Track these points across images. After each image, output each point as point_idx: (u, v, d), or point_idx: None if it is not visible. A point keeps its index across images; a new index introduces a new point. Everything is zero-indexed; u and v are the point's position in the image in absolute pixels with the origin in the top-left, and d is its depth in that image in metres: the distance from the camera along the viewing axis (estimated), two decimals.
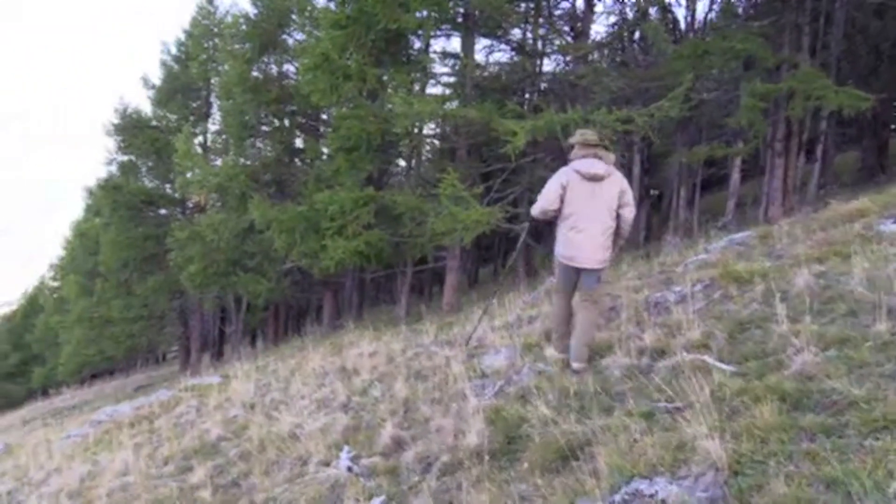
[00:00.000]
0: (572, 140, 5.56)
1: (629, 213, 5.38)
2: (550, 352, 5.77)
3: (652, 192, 20.79)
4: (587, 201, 5.26)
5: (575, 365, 5.28)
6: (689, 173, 16.82)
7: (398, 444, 5.11)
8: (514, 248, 30.38)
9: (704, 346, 4.80)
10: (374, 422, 5.94)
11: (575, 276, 5.45)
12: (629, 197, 5.42)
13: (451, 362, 6.80)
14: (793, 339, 4.21)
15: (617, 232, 5.44)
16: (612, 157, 5.49)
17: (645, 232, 19.35)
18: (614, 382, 4.74)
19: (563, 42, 14.56)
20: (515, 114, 11.28)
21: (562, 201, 5.31)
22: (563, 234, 5.40)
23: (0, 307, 63.55)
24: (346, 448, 5.32)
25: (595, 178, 5.26)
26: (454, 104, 13.90)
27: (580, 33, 14.40)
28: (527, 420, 4.41)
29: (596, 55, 16.51)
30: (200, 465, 6.47)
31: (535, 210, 5.49)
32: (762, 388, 3.67)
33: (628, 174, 18.34)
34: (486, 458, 4.08)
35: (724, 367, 4.21)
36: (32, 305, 49.37)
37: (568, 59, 15.42)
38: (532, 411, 4.47)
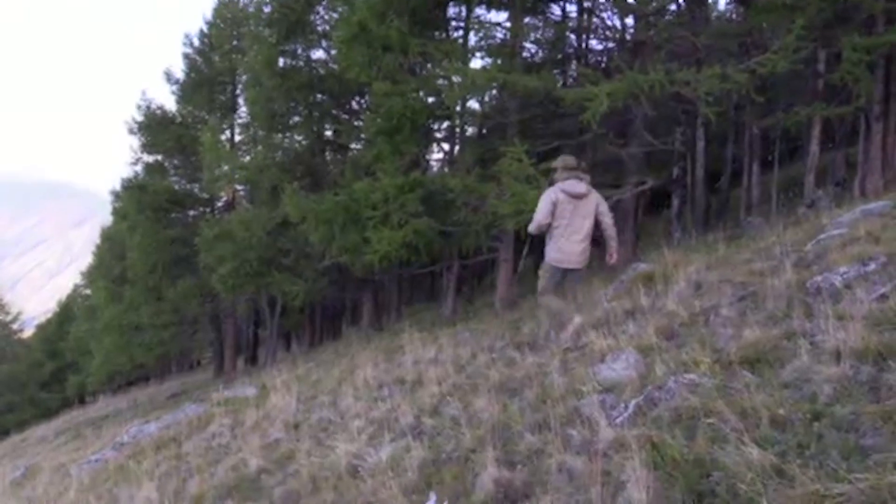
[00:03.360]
0: (555, 164, 6.84)
1: (608, 219, 6.70)
2: (553, 303, 6.77)
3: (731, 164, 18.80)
4: (571, 215, 6.52)
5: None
6: (763, 146, 15.20)
7: (509, 494, 3.68)
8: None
9: None
10: (460, 453, 4.52)
11: (561, 276, 6.76)
12: (605, 207, 6.73)
13: (550, 371, 5.37)
14: None
15: (605, 234, 6.74)
16: (588, 177, 6.77)
17: (704, 216, 17.75)
18: (828, 402, 3.26)
19: (623, 3, 12.97)
20: (590, 78, 9.74)
21: (552, 216, 6.51)
22: (552, 242, 6.63)
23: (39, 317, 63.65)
24: (432, 497, 3.91)
25: (577, 196, 6.54)
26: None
27: None
28: (720, 465, 2.95)
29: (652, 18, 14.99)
30: None
31: (532, 226, 6.66)
32: None
33: (692, 152, 16.77)
34: None
35: None
36: (66, 313, 48.85)
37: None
38: (724, 451, 3.01)
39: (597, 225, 6.73)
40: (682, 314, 5.74)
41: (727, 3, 17.68)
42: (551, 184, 6.81)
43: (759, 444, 2.95)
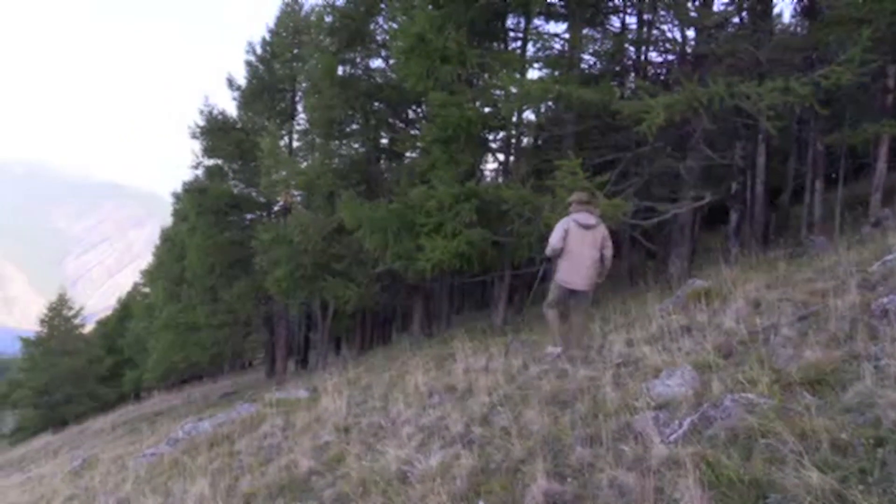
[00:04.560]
0: (570, 199, 7.79)
1: (609, 251, 7.55)
2: (550, 348, 7.65)
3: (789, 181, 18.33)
4: (581, 243, 7.39)
5: (576, 352, 7.24)
6: (827, 163, 14.78)
7: None
8: None
9: None
10: (509, 464, 4.53)
11: (568, 296, 7.57)
12: (609, 241, 7.58)
13: (602, 385, 5.33)
14: None
15: (602, 263, 7.55)
16: (598, 210, 7.95)
17: (763, 232, 17.32)
18: (893, 428, 3.17)
19: (685, 15, 12.81)
20: (647, 90, 9.66)
21: (564, 241, 7.37)
22: (562, 265, 7.49)
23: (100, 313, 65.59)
24: None
25: (587, 227, 7.43)
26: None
27: (704, 3, 12.67)
28: (778, 488, 2.90)
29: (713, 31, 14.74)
30: None
31: (548, 249, 7.53)
32: None
33: (752, 167, 16.42)
34: None
35: None
36: (126, 310, 50.35)
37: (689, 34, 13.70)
38: (782, 473, 2.96)
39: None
40: (740, 332, 5.64)
41: (792, 16, 17.26)
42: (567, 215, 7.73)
43: (819, 468, 2.89)
